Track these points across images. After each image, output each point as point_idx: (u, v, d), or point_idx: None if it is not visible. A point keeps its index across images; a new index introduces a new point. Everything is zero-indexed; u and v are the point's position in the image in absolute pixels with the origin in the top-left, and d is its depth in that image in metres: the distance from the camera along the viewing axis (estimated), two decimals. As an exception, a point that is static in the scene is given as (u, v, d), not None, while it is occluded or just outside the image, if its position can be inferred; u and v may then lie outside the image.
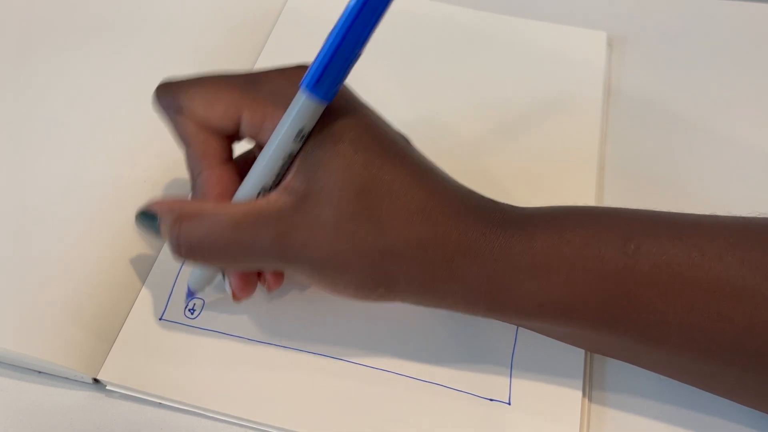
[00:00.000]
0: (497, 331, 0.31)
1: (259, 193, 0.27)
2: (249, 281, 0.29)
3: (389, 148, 0.26)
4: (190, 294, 0.31)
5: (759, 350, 0.25)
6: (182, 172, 0.36)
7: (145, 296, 0.32)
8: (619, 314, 0.26)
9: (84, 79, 0.40)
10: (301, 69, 0.26)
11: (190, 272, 0.31)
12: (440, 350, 0.30)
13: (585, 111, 0.39)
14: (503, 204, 0.28)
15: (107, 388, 0.30)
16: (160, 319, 0.31)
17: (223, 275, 0.30)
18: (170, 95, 0.28)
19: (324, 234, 0.25)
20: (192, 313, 0.31)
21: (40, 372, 0.31)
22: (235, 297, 0.29)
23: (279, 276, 0.30)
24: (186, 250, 0.27)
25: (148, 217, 0.28)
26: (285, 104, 0.26)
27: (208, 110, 0.27)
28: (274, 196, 0.26)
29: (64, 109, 0.38)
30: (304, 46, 0.42)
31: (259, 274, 0.30)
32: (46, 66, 0.41)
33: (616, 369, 0.30)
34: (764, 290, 0.24)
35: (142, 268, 0.33)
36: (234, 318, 0.31)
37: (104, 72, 0.40)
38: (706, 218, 0.27)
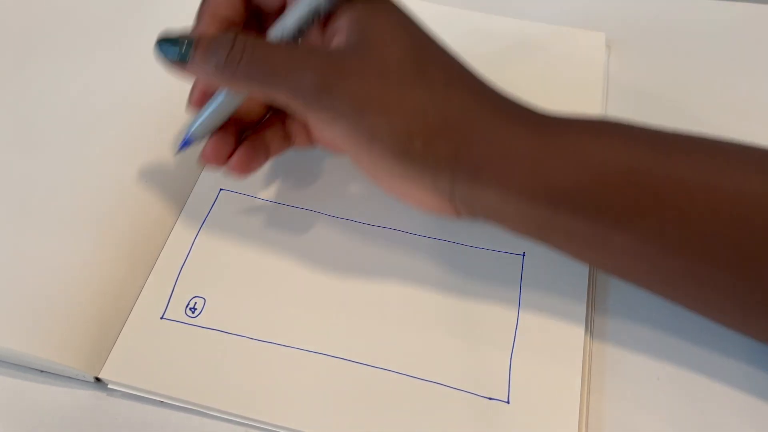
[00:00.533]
0: (497, 330, 0.31)
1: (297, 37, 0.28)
2: (221, 146, 0.30)
3: (431, 36, 0.28)
4: (186, 143, 0.31)
5: None
6: (182, 172, 0.36)
7: (146, 295, 0.32)
8: (646, 210, 0.26)
9: (84, 79, 0.40)
10: None
11: (192, 121, 0.31)
12: (439, 349, 0.30)
13: (584, 112, 0.39)
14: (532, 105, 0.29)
15: (109, 387, 0.30)
16: (161, 318, 0.31)
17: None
18: None
19: (373, 73, 0.26)
20: (193, 312, 0.32)
21: (42, 371, 0.31)
22: (203, 157, 0.30)
23: (249, 154, 0.30)
24: (238, 53, 0.27)
25: (174, 44, 0.28)
26: None
27: None
28: (336, 39, 0.27)
29: (64, 109, 0.38)
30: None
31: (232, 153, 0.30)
32: (46, 66, 0.41)
33: (616, 367, 0.30)
34: None
35: (144, 267, 0.33)
36: (235, 317, 0.31)
37: (104, 72, 0.40)
38: (736, 143, 0.27)
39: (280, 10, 0.30)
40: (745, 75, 0.42)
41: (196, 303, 0.32)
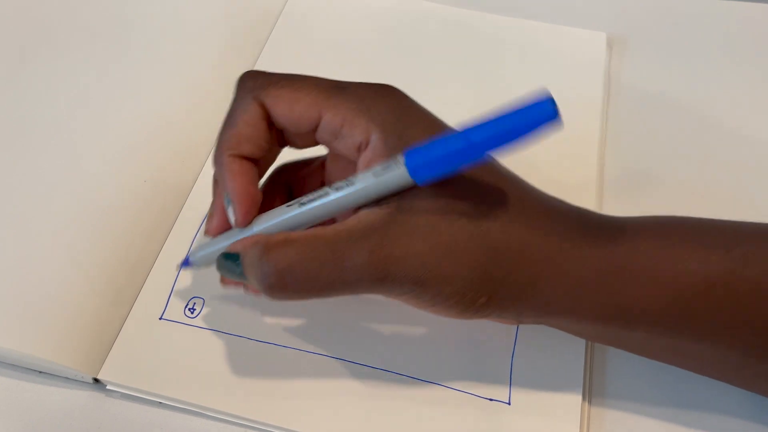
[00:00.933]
0: (497, 331, 0.31)
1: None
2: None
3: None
4: (187, 263, 0.30)
5: None
6: (182, 172, 0.36)
7: (145, 296, 0.32)
8: (726, 321, 0.25)
9: (85, 79, 0.40)
10: (386, 88, 0.26)
11: (200, 245, 0.29)
12: (440, 350, 0.30)
13: (585, 111, 0.39)
14: (595, 212, 0.27)
15: (107, 387, 0.30)
16: (160, 318, 0.31)
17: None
18: (257, 87, 0.27)
19: (423, 242, 0.24)
20: (192, 313, 0.32)
21: (40, 372, 0.31)
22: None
23: None
24: (277, 279, 0.25)
25: (230, 258, 0.26)
26: (367, 114, 0.25)
27: (288, 108, 0.27)
28: (363, 213, 0.25)
29: (65, 109, 0.38)
30: (304, 47, 0.43)
31: None
32: (46, 66, 0.41)
33: (617, 370, 0.30)
34: None
35: (142, 268, 0.33)
36: (234, 317, 0.31)
37: (105, 72, 0.40)
38: None
39: (309, 134, 0.28)
40: (745, 74, 0.42)
41: (194, 303, 0.32)
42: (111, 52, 0.42)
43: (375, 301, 0.32)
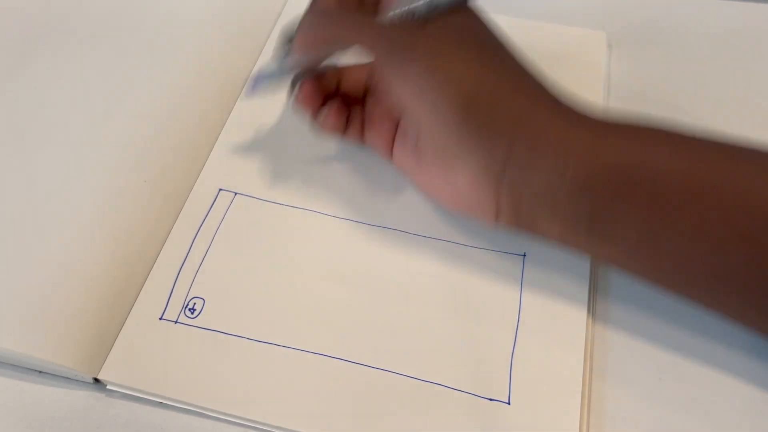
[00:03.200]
0: (497, 331, 0.31)
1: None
2: (315, 93, 0.33)
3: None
4: (256, 84, 0.33)
5: None
6: (182, 172, 0.36)
7: (145, 296, 0.32)
8: (701, 197, 0.26)
9: (84, 79, 0.40)
10: None
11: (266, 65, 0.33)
12: (440, 350, 0.30)
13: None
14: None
15: (108, 387, 0.30)
16: (160, 318, 0.31)
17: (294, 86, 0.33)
18: None
19: (453, 43, 0.28)
20: (192, 313, 0.32)
21: (40, 372, 0.31)
22: (298, 102, 0.33)
23: (342, 111, 0.34)
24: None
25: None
26: None
27: None
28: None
29: (65, 109, 0.38)
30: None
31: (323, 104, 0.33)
32: (46, 66, 0.41)
33: (616, 369, 0.30)
34: None
35: (143, 268, 0.33)
36: (234, 317, 0.31)
37: (104, 72, 0.40)
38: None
39: None
40: (745, 75, 0.42)
41: (195, 303, 0.32)
42: (111, 51, 0.42)
43: (375, 300, 0.32)
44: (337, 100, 0.34)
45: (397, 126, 0.34)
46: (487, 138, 0.28)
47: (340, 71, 0.36)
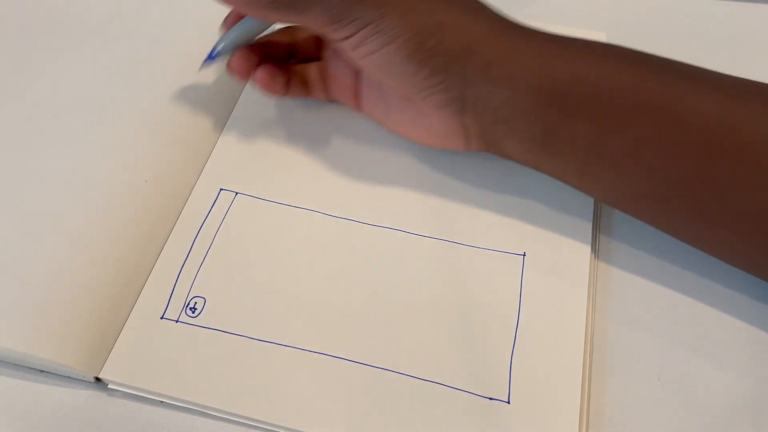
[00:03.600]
0: (497, 330, 0.31)
1: None
2: (247, 62, 0.34)
3: None
4: (211, 56, 0.35)
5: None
6: (182, 172, 0.36)
7: (146, 295, 0.32)
8: (644, 115, 0.28)
9: (84, 78, 0.40)
10: None
11: (220, 38, 0.34)
12: (439, 349, 0.30)
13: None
14: None
15: (109, 387, 0.30)
16: (161, 318, 0.31)
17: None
18: None
19: None
20: (193, 312, 0.32)
21: (41, 371, 0.31)
22: (230, 70, 0.34)
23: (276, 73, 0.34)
24: None
25: None
26: None
27: None
28: None
29: (65, 109, 0.38)
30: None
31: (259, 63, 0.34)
32: (46, 66, 0.41)
33: (616, 369, 0.30)
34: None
35: (144, 267, 0.33)
36: (235, 317, 0.31)
37: (105, 72, 0.40)
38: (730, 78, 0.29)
39: None
40: (745, 75, 0.42)
41: (196, 303, 0.32)
42: (111, 51, 0.42)
43: (375, 300, 0.32)
44: (268, 64, 0.34)
45: (358, 76, 0.35)
46: (441, 72, 0.29)
47: (291, 30, 0.36)
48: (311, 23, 0.30)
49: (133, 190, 0.35)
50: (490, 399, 0.29)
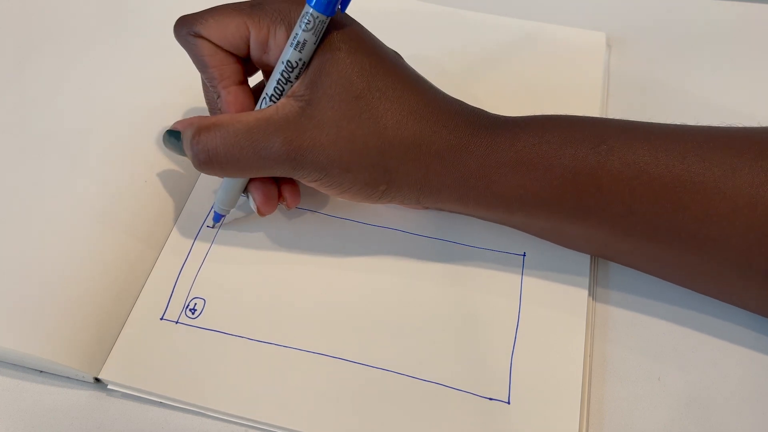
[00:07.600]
0: (497, 330, 0.31)
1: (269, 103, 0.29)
2: (270, 196, 0.32)
3: (382, 59, 0.29)
4: (218, 217, 0.34)
5: (713, 237, 0.27)
6: (182, 172, 0.36)
7: (146, 296, 0.32)
8: (591, 206, 0.29)
9: (84, 79, 0.40)
10: None
11: (215, 197, 0.33)
12: (440, 350, 0.30)
13: (584, 111, 0.39)
14: (489, 112, 0.31)
15: (108, 387, 0.30)
16: (161, 318, 0.31)
17: (247, 195, 0.32)
18: (187, 24, 0.30)
19: (327, 136, 0.28)
20: (193, 313, 0.32)
21: (41, 371, 0.31)
22: (260, 212, 0.32)
23: (296, 191, 0.33)
24: (204, 159, 0.29)
25: (173, 135, 0.31)
26: (287, 23, 0.29)
27: (220, 32, 0.30)
28: (282, 102, 0.29)
29: (65, 109, 0.39)
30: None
31: (280, 194, 0.32)
32: (46, 66, 0.41)
33: (616, 369, 0.30)
34: (721, 185, 0.27)
35: (144, 267, 0.33)
36: (234, 318, 0.31)
37: (105, 72, 0.41)
38: (675, 126, 0.29)
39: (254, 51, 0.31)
40: (745, 75, 0.42)
41: (195, 304, 0.32)
42: (111, 50, 0.42)
43: (375, 301, 0.32)
44: (288, 182, 0.33)
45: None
46: (397, 202, 0.31)
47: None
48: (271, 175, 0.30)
49: (132, 191, 0.35)
50: (490, 399, 0.29)
